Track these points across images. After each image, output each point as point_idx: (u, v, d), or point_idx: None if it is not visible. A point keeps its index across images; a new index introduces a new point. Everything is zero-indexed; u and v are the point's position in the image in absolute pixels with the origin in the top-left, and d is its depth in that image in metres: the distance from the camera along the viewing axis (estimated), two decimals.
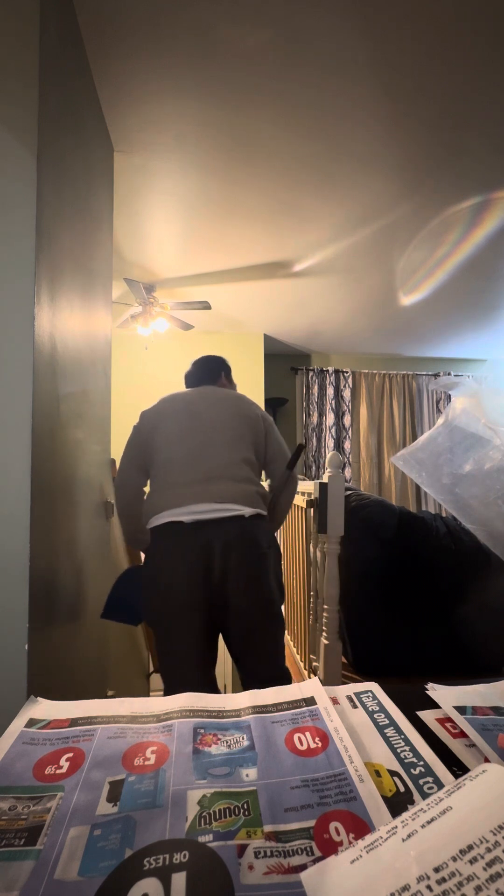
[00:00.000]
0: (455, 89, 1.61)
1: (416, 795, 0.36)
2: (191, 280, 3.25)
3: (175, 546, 1.36)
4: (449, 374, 4.92)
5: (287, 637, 2.26)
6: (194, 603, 1.35)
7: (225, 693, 1.57)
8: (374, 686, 0.52)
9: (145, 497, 1.49)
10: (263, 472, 1.63)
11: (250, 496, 1.41)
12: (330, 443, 4.63)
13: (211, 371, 1.75)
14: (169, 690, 1.39)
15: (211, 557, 1.35)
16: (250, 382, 4.25)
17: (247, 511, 1.38)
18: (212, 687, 1.56)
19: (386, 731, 0.44)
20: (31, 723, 0.45)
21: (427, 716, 0.47)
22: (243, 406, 1.58)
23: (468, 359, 5.02)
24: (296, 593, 2.03)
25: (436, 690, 0.51)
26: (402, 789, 0.37)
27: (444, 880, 0.25)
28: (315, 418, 4.66)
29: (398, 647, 1.60)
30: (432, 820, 0.29)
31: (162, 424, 1.51)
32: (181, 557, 1.34)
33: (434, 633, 1.62)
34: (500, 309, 3.65)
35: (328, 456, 1.69)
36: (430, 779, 0.37)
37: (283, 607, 1.57)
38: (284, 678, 1.48)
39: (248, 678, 1.43)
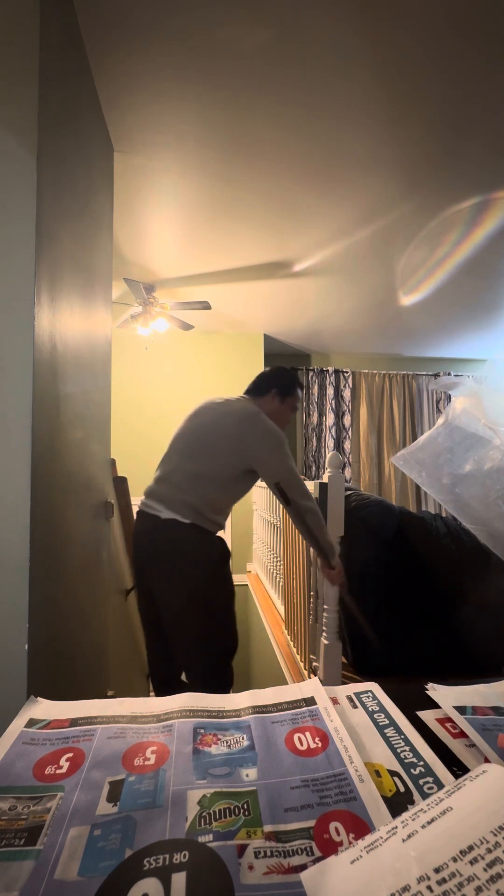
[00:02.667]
0: (455, 90, 1.61)
1: (416, 795, 0.36)
2: (191, 280, 3.25)
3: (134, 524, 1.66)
4: (449, 374, 4.92)
5: (287, 637, 2.26)
6: (136, 583, 1.67)
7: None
8: (374, 686, 0.52)
9: None
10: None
11: (176, 503, 1.54)
12: (330, 443, 4.63)
13: (259, 383, 1.80)
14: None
15: (138, 546, 1.61)
16: (250, 382, 4.26)
17: (164, 514, 1.53)
18: (158, 666, 1.69)
19: (386, 731, 0.44)
20: (31, 723, 0.45)
21: (427, 716, 0.47)
22: (230, 420, 1.60)
23: (468, 359, 5.02)
24: (296, 593, 2.03)
25: (436, 690, 0.51)
26: (402, 789, 0.37)
27: (444, 881, 0.25)
28: (315, 418, 4.66)
29: (398, 647, 1.60)
30: (432, 820, 0.29)
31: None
32: (133, 537, 1.65)
33: (434, 633, 1.62)
34: (500, 309, 3.65)
35: (328, 456, 1.69)
36: (430, 779, 0.37)
37: (201, 611, 1.53)
38: (198, 679, 1.56)
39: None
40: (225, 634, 1.59)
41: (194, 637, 1.53)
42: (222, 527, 1.64)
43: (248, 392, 1.79)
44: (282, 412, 1.76)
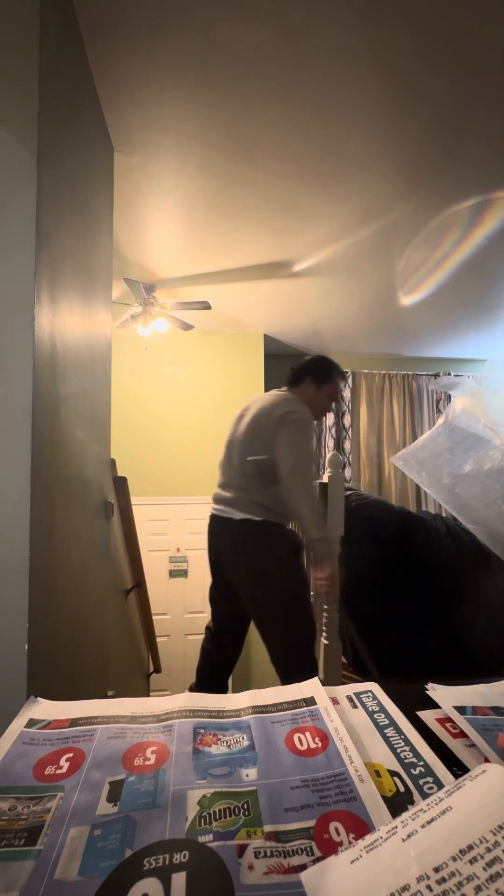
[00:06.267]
0: (455, 89, 1.61)
1: (416, 795, 0.36)
2: (191, 280, 3.25)
3: (208, 528, 1.78)
4: (449, 374, 4.92)
5: None
6: (213, 578, 1.79)
7: (228, 692, 1.61)
8: (374, 686, 0.52)
9: None
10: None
11: (242, 503, 1.64)
12: (330, 443, 4.63)
13: (296, 373, 1.86)
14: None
15: (216, 545, 1.73)
16: (250, 382, 4.25)
17: (236, 515, 1.63)
18: (216, 667, 1.78)
19: (386, 731, 0.44)
20: (32, 723, 0.45)
21: (427, 716, 0.47)
22: (263, 416, 1.68)
23: (468, 359, 5.01)
24: None
25: (436, 690, 0.51)
26: (402, 789, 0.37)
27: (443, 880, 0.25)
28: None
29: (398, 647, 1.60)
30: (432, 820, 0.29)
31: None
32: (208, 539, 1.77)
33: (434, 632, 1.62)
34: (500, 309, 3.65)
35: (328, 456, 1.69)
36: (430, 779, 0.37)
37: (285, 598, 1.60)
38: (284, 664, 1.60)
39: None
40: (304, 621, 1.64)
41: (278, 626, 1.60)
42: (291, 518, 1.70)
43: (287, 385, 1.86)
44: (318, 400, 1.79)
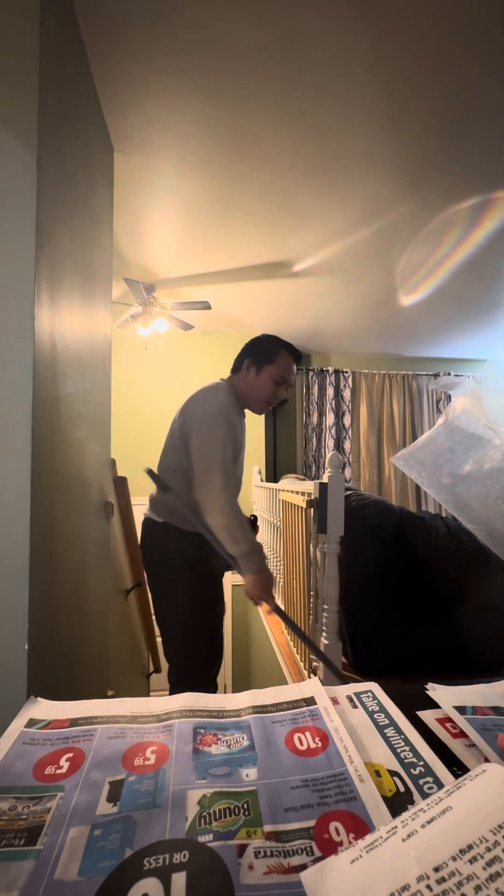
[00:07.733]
0: (455, 89, 1.61)
1: (416, 795, 0.36)
2: (191, 280, 3.25)
3: None
4: (449, 374, 4.92)
5: (287, 637, 2.26)
6: None
7: (225, 693, 1.60)
8: (374, 686, 0.52)
9: None
10: None
11: (153, 501, 1.57)
12: (330, 443, 4.63)
13: (236, 358, 1.62)
14: None
15: None
16: None
17: (146, 514, 1.58)
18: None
19: (386, 731, 0.44)
20: (32, 723, 0.45)
21: (427, 716, 0.47)
22: (183, 410, 1.55)
23: (468, 359, 5.02)
24: (296, 593, 2.03)
25: (436, 690, 0.51)
26: (402, 789, 0.37)
27: (443, 880, 0.25)
28: (315, 418, 4.66)
29: (398, 647, 1.60)
30: (432, 820, 0.29)
31: None
32: None
33: (434, 632, 1.62)
34: (500, 309, 3.65)
35: (328, 456, 1.69)
36: (430, 779, 0.37)
37: (180, 608, 1.52)
38: (172, 677, 1.54)
39: None
40: (199, 641, 1.51)
41: (167, 637, 1.53)
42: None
43: (231, 371, 1.66)
44: (259, 386, 1.54)
